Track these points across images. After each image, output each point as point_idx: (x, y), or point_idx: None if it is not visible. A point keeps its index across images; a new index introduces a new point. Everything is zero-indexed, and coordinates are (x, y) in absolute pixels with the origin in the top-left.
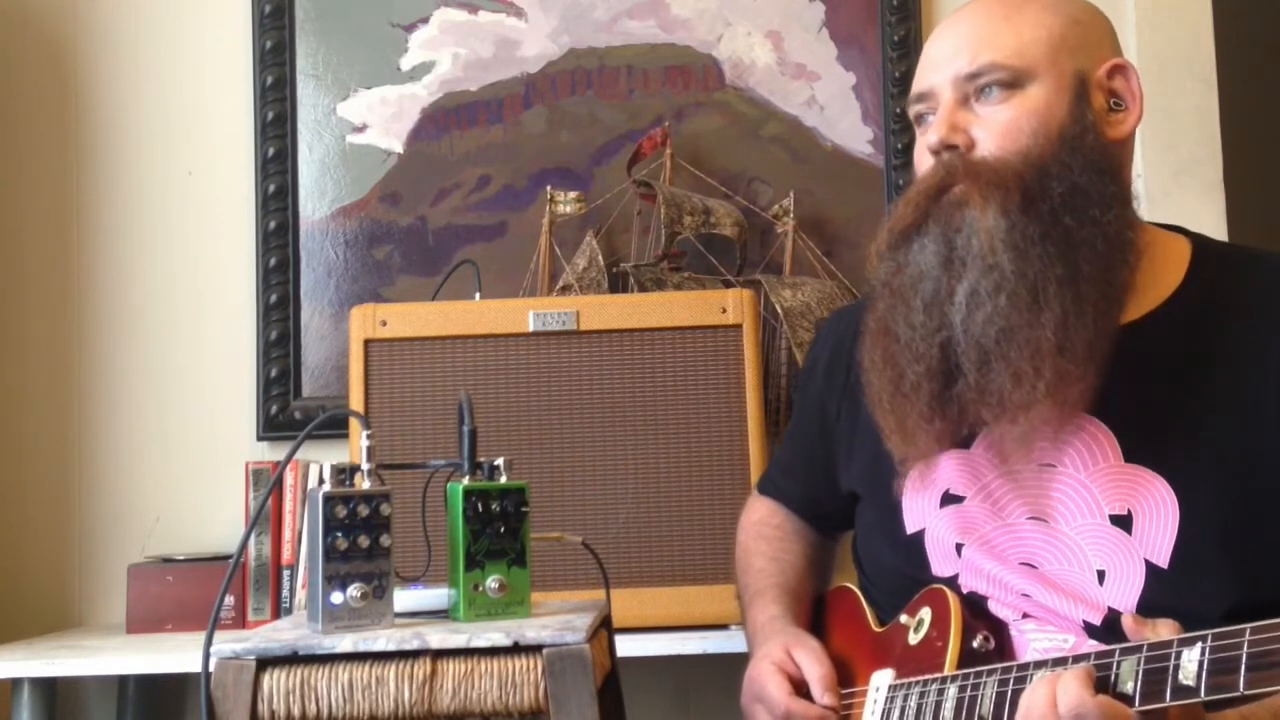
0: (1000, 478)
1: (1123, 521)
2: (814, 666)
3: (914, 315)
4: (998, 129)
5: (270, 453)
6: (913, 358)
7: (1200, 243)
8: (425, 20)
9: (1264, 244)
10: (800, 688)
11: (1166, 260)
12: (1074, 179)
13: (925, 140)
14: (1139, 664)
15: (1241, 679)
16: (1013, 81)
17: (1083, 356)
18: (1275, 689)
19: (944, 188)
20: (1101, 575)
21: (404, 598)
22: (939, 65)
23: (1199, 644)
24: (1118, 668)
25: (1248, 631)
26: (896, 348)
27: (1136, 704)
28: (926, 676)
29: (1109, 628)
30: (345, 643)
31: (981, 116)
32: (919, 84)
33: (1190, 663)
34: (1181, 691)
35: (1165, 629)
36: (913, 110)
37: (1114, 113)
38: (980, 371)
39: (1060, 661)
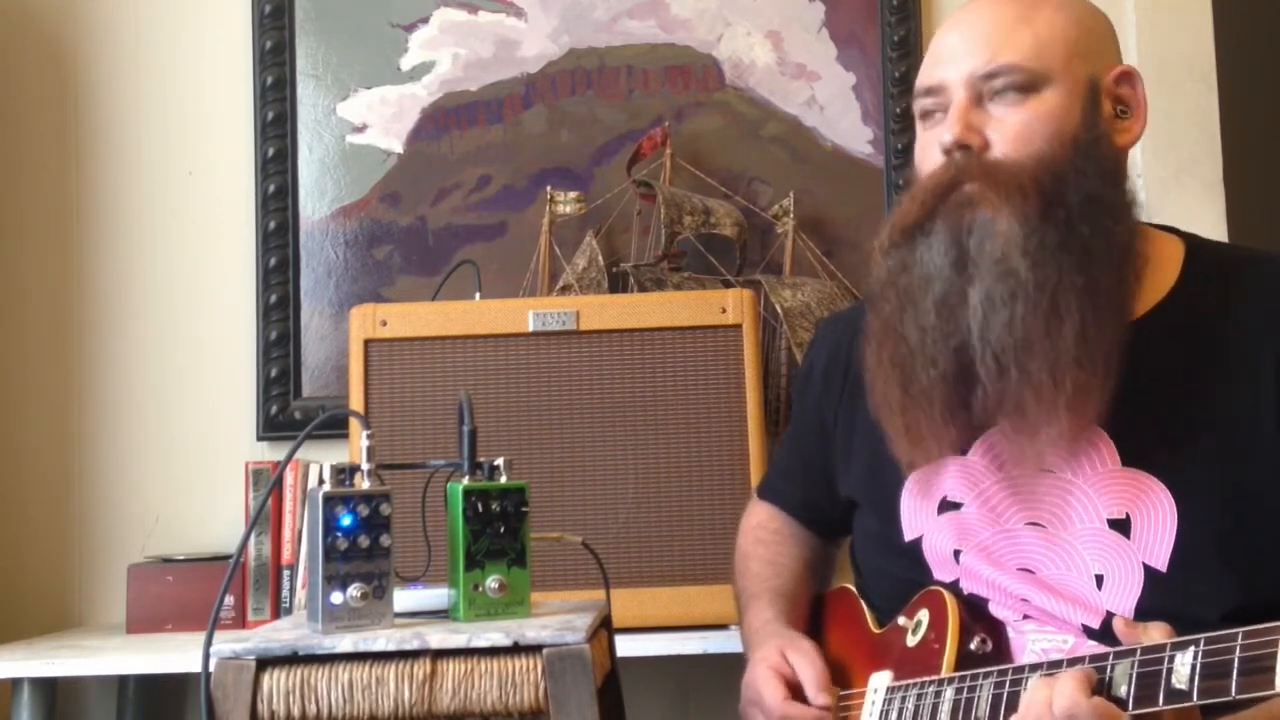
0: (998, 484)
1: (1121, 526)
2: (808, 668)
3: (925, 318)
4: (1012, 131)
5: (270, 453)
6: (925, 361)
7: (1193, 243)
8: (425, 20)
9: (1264, 244)
10: (796, 690)
11: (1160, 262)
12: (1088, 187)
13: (934, 136)
14: (1132, 667)
15: (1234, 683)
16: (1028, 84)
17: (1101, 370)
18: (1268, 693)
19: (953, 185)
20: (1100, 580)
21: (404, 598)
22: (952, 60)
23: (1192, 648)
24: (1111, 671)
25: (1240, 635)
26: (906, 350)
27: (1130, 707)
28: (924, 678)
29: (1107, 631)
30: (345, 643)
31: (995, 117)
32: (927, 77)
33: (1183, 666)
34: (1175, 695)
35: (1157, 632)
36: (919, 104)
37: (1121, 120)
38: (999, 381)
39: (1056, 665)
